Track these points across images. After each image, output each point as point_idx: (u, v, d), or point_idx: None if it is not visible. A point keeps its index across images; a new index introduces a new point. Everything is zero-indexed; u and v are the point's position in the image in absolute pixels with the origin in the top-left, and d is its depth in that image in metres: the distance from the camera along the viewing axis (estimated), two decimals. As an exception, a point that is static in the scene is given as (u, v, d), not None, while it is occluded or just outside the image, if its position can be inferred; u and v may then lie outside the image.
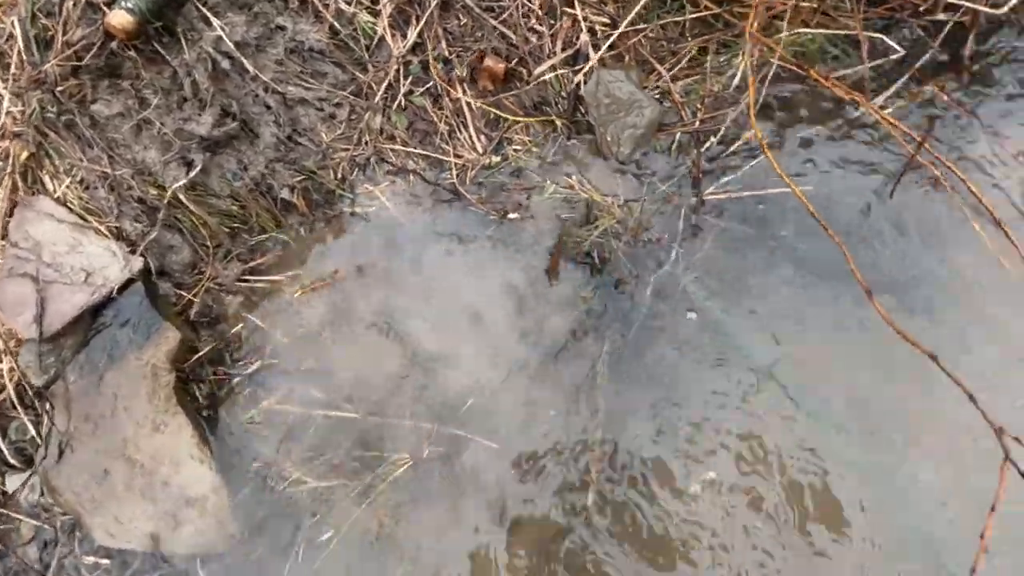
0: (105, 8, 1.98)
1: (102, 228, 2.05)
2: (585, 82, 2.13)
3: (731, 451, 1.89)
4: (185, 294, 2.17)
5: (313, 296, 2.23)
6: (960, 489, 1.79)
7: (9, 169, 1.93)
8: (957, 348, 1.84)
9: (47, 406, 1.97)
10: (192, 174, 1.96)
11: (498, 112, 2.21)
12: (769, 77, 2.08)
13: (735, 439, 1.89)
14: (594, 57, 2.07)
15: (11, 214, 2.02)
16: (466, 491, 1.91)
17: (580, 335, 2.00)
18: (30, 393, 2.08)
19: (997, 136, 2.10)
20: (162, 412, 2.00)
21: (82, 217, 2.04)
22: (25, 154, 1.93)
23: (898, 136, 1.96)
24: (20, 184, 2.01)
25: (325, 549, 1.88)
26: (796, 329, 1.95)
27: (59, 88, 1.97)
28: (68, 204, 2.03)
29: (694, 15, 2.13)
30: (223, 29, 2.02)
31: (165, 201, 1.99)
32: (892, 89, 2.18)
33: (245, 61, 2.07)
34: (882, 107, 2.12)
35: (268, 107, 2.09)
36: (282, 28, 2.11)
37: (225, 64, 2.00)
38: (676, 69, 2.18)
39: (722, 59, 2.15)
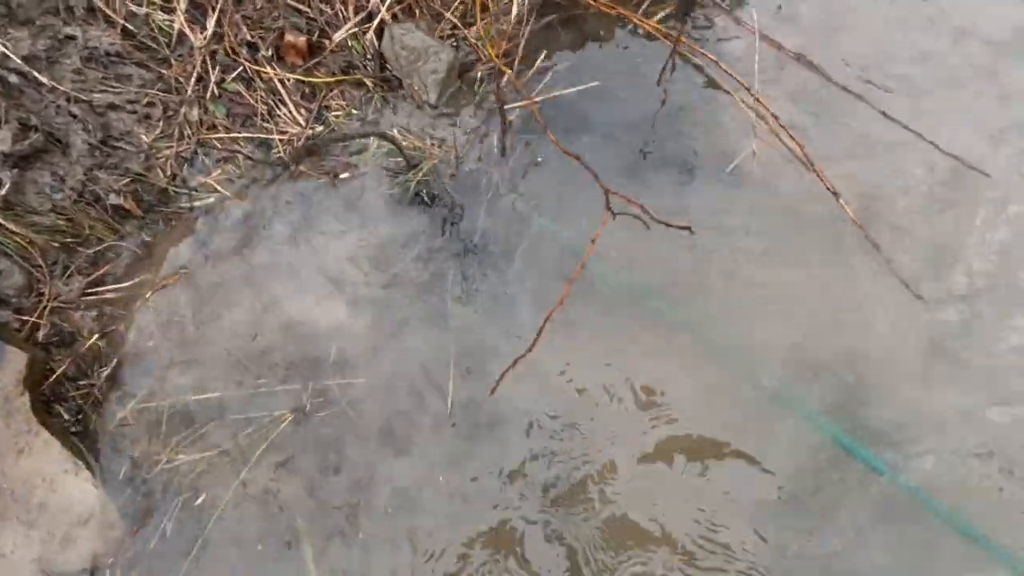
0: None
1: (-83, 266, 1.99)
2: (380, 39, 2.28)
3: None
4: (28, 318, 2.14)
5: (167, 292, 2.25)
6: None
7: None
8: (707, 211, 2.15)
9: None
10: (2, 192, 1.94)
11: (309, 80, 2.32)
12: (539, 4, 2.31)
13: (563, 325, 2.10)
14: (380, 13, 2.22)
15: None
16: (347, 431, 2.01)
17: (426, 266, 2.15)
18: None
19: (740, 24, 2.43)
20: (24, 434, 1.97)
21: None
22: None
23: (659, 35, 2.24)
24: None
25: (210, 520, 1.92)
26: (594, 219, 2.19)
27: None
28: None
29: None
30: (6, 46, 2.01)
31: (-22, 224, 1.96)
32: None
33: (38, 75, 2.07)
34: (648, 15, 2.39)
35: (74, 116, 2.09)
36: (72, 38, 2.13)
37: (14, 79, 1.99)
38: (467, 15, 2.38)
39: (504, 1, 2.37)
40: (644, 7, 2.44)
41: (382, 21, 2.28)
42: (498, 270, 2.12)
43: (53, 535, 1.96)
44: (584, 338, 2.04)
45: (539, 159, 2.21)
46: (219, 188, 2.33)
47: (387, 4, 2.20)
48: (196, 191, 2.32)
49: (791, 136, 2.09)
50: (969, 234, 2.10)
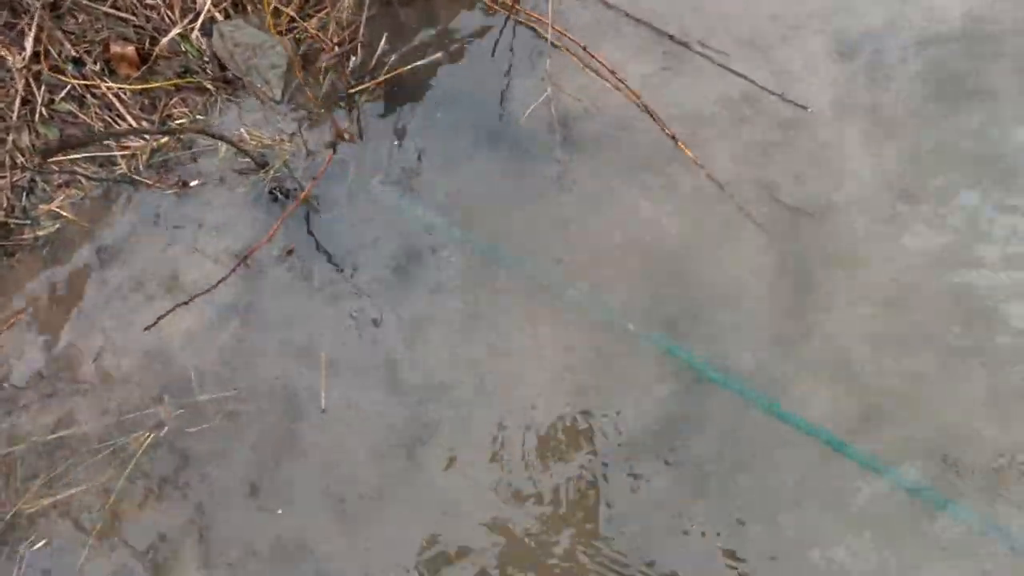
0: None
1: None
2: (210, 39, 2.21)
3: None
4: None
5: (16, 330, 2.13)
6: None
7: None
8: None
9: None
10: None
11: (144, 88, 2.22)
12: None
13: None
14: (203, 10, 2.15)
15: None
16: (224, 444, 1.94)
17: (286, 260, 2.09)
18: None
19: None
20: None
21: None
22: None
23: (495, 6, 2.25)
24: None
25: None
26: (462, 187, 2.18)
27: None
28: None
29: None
30: None
31: None
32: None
33: None
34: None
35: None
36: None
37: None
38: (305, 7, 2.33)
39: (340, -12, 2.34)
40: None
41: (211, 20, 2.21)
42: (361, 258, 2.08)
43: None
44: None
45: (397, 142, 2.18)
46: (64, 214, 2.21)
47: (207, 4, 2.13)
48: (39, 221, 2.20)
49: (635, 95, 2.11)
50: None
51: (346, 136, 2.18)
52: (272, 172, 2.15)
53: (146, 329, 1.92)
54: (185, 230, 2.17)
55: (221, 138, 2.04)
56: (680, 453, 1.82)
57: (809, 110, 2.05)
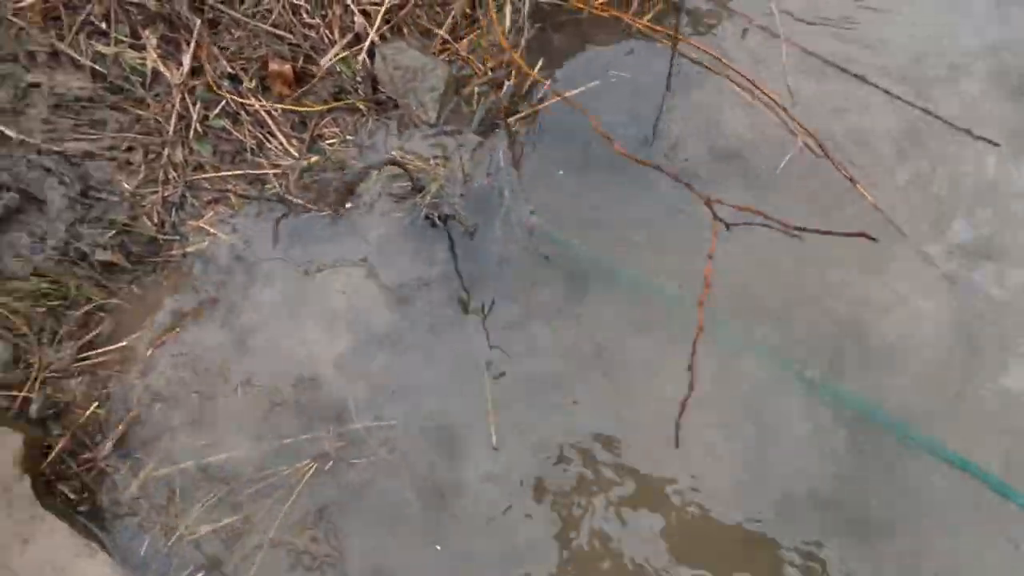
0: None
1: None
2: (371, 61, 2.18)
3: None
4: (17, 393, 1.96)
5: (167, 349, 2.10)
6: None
7: None
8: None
9: None
10: (-26, 259, 1.77)
11: (298, 109, 2.20)
12: (526, 13, 2.25)
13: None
14: (371, 34, 2.12)
15: None
16: (383, 473, 1.89)
17: (445, 294, 2.05)
18: None
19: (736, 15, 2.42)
20: (26, 523, 1.79)
21: None
22: None
23: (655, 35, 2.21)
24: None
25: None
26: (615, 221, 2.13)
27: None
28: None
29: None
30: (-35, 101, 1.85)
31: (-48, 295, 1.78)
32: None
33: (4, 128, 1.90)
34: (640, 14, 2.35)
35: (48, 169, 1.93)
36: (36, 85, 1.96)
37: (-21, 136, 1.83)
38: (457, 29, 2.30)
39: (497, 12, 2.30)
40: (635, 6, 2.39)
41: (372, 43, 2.18)
42: (521, 293, 2.04)
43: (71, 629, 1.80)
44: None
45: (560, 172, 2.14)
46: (212, 231, 2.19)
47: (375, 26, 2.11)
48: (188, 237, 2.17)
49: (808, 132, 2.06)
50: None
51: (501, 162, 2.15)
52: (429, 196, 2.12)
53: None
54: (338, 254, 2.14)
55: (401, 165, 1.99)
56: (856, 509, 1.77)
57: (1000, 147, 2.00)
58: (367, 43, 2.12)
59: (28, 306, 1.93)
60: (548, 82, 2.20)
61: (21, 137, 1.93)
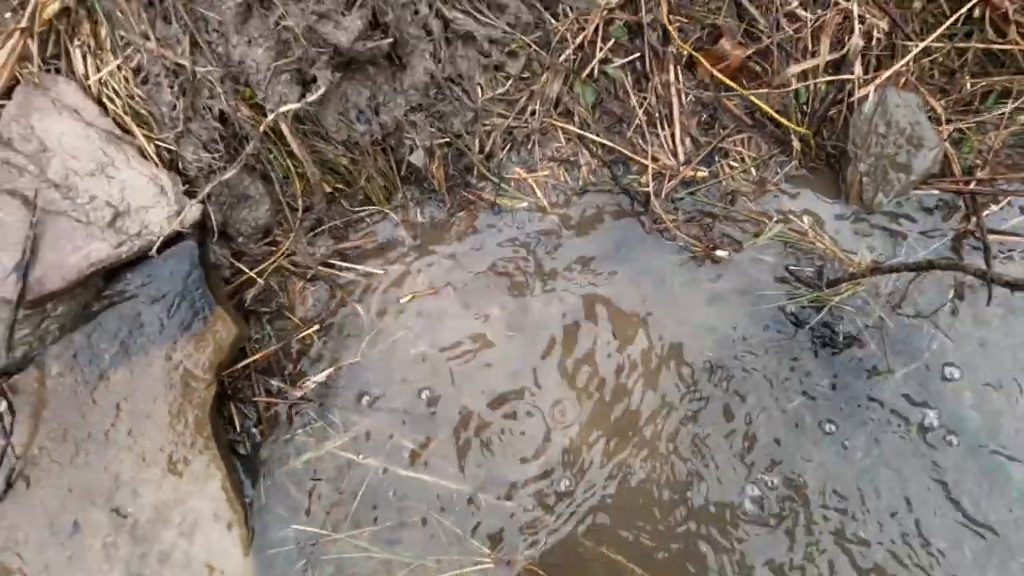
0: None
1: (150, 148, 1.36)
2: (856, 99, 1.60)
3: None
4: (245, 268, 1.50)
5: (418, 307, 1.60)
6: None
7: (23, 23, 1.22)
8: None
9: (3, 406, 1.25)
10: (311, 98, 1.31)
11: (733, 96, 1.65)
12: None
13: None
14: (892, 69, 1.54)
15: (9, 94, 1.30)
16: None
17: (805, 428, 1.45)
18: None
19: None
20: (187, 444, 1.31)
21: (121, 125, 1.35)
22: (56, 6, 1.24)
23: None
24: (34, 52, 1.30)
25: None
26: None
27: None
28: (105, 100, 1.34)
29: (991, 46, 1.65)
30: (392, -94, 1.40)
31: (261, 129, 1.33)
32: None
33: (413, -38, 1.45)
34: None
35: (428, 32, 1.47)
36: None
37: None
38: (952, 107, 1.71)
39: (1012, 107, 1.69)
40: None
41: (868, 80, 1.60)
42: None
43: (160, 605, 1.30)
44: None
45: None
46: (535, 191, 1.68)
47: (896, 65, 1.53)
48: (506, 185, 1.68)
49: None
50: None
51: (954, 303, 1.53)
52: (839, 298, 1.54)
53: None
54: (674, 298, 1.59)
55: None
56: None
57: None
58: (884, 76, 1.55)
59: (318, 176, 1.47)
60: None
61: (421, -18, 1.48)
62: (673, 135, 1.68)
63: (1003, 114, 1.65)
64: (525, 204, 1.67)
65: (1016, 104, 1.66)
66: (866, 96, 1.57)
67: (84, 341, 1.24)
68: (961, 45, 1.67)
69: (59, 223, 1.20)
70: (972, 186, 1.62)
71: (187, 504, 1.28)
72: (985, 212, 1.63)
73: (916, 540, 1.38)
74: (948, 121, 1.70)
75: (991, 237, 1.57)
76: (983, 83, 1.71)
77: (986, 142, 1.67)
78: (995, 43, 1.65)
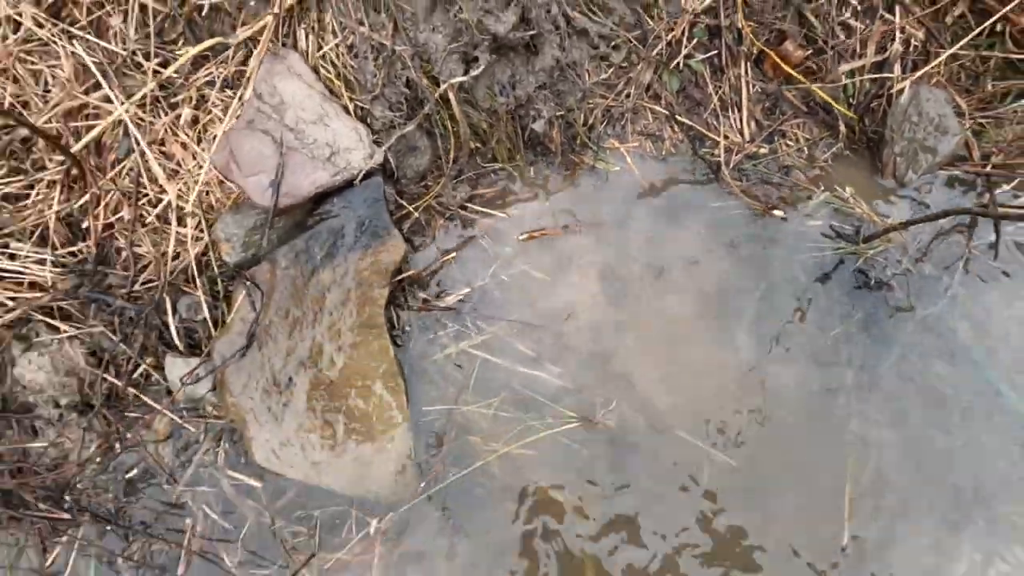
0: None
1: (350, 106, 1.78)
2: (894, 93, 1.97)
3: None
4: (406, 204, 1.92)
5: (533, 244, 2.00)
6: None
7: (275, 9, 1.65)
8: None
9: (249, 289, 1.67)
10: (473, 73, 1.72)
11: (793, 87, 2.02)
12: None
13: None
14: (925, 70, 1.91)
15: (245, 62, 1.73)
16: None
17: (839, 362, 1.82)
18: (214, 269, 1.78)
19: None
20: (366, 330, 1.73)
21: (330, 88, 1.77)
22: (295, -2, 1.66)
23: None
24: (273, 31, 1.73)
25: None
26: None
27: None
28: (319, 68, 1.76)
29: (1010, 55, 2.00)
30: (537, -73, 1.81)
31: (435, 95, 1.74)
32: None
33: (551, -31, 1.85)
34: None
35: (556, 27, 1.87)
36: (588, -52, 1.91)
37: (531, -34, 1.78)
38: (976, 104, 2.06)
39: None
40: None
41: (905, 78, 1.97)
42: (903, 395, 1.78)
43: (348, 453, 1.71)
44: None
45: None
46: (627, 158, 2.08)
47: (927, 66, 1.90)
48: (603, 153, 2.07)
49: None
50: None
51: (962, 260, 1.89)
52: (870, 252, 1.90)
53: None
54: (737, 247, 1.97)
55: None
56: None
57: None
58: (918, 74, 1.92)
59: (467, 134, 1.87)
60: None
61: (554, -13, 1.88)
62: (741, 118, 2.06)
63: (1015, 110, 2.01)
64: (618, 168, 2.06)
65: (1029, 103, 2.02)
66: (902, 91, 1.94)
67: (303, 244, 1.67)
68: (985, 53, 2.03)
69: (294, 157, 1.62)
70: (988, 168, 1.98)
71: (364, 374, 1.70)
72: (998, 190, 1.98)
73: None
74: (971, 116, 2.05)
75: (1000, 209, 1.93)
76: (1003, 86, 2.06)
77: (1002, 134, 2.03)
78: (1013, 53, 2.00)
